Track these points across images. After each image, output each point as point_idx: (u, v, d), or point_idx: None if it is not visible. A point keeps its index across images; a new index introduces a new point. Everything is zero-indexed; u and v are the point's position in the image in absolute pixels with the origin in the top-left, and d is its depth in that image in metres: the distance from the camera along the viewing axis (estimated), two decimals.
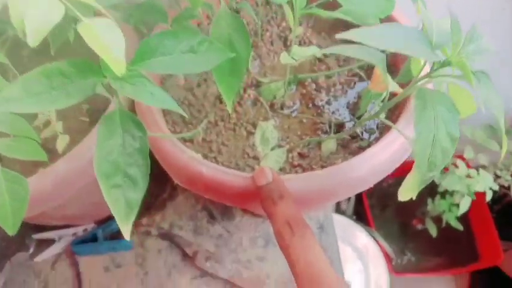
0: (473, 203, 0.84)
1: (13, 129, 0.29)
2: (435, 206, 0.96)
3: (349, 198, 1.07)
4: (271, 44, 0.45)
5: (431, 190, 0.94)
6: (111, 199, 0.22)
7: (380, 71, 0.24)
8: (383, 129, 0.39)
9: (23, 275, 0.55)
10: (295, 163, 0.37)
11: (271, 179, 0.31)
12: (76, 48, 0.30)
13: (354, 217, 1.06)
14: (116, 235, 0.57)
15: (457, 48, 0.21)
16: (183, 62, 0.22)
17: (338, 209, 1.06)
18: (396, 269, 1.04)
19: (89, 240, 0.56)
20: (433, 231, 1.00)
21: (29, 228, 0.56)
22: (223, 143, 0.39)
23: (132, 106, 0.39)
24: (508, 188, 0.88)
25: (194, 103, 0.42)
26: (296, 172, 0.36)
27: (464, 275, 1.11)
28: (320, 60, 0.43)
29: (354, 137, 0.39)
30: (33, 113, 0.40)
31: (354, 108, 0.41)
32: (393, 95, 0.30)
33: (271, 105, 0.41)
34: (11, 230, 0.28)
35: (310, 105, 0.41)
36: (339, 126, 0.40)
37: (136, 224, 0.57)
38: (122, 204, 0.23)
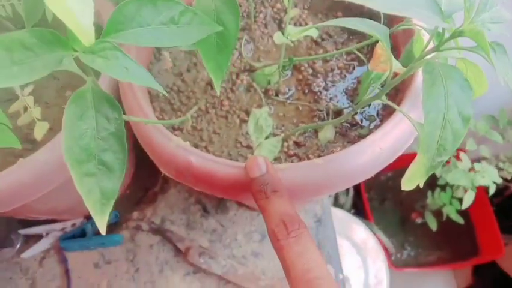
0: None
1: None
2: (435, 199, 0.94)
3: (347, 192, 1.05)
4: (265, 26, 0.42)
5: (431, 183, 0.92)
6: (83, 189, 0.20)
7: (382, 48, 0.22)
8: (384, 117, 0.36)
9: (9, 272, 0.53)
10: (291, 152, 0.35)
11: (265, 170, 0.29)
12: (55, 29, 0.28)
13: (353, 211, 1.04)
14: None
15: (469, 16, 0.18)
16: (163, 35, 0.20)
17: (336, 203, 1.04)
18: (395, 264, 1.03)
19: (78, 235, 0.54)
20: (433, 225, 0.99)
21: (15, 223, 0.54)
22: (215, 131, 0.37)
23: (117, 93, 0.37)
24: (511, 180, 0.86)
25: (183, 89, 0.39)
26: (292, 162, 0.34)
27: (464, 270, 1.10)
28: (316, 43, 0.41)
29: (354, 124, 0.36)
30: (8, 98, 0.37)
31: (353, 95, 0.38)
32: (395, 77, 0.27)
33: (266, 92, 0.39)
34: None
35: (307, 91, 0.38)
36: (337, 114, 0.37)
37: (126, 219, 0.55)
38: (97, 195, 0.20)
